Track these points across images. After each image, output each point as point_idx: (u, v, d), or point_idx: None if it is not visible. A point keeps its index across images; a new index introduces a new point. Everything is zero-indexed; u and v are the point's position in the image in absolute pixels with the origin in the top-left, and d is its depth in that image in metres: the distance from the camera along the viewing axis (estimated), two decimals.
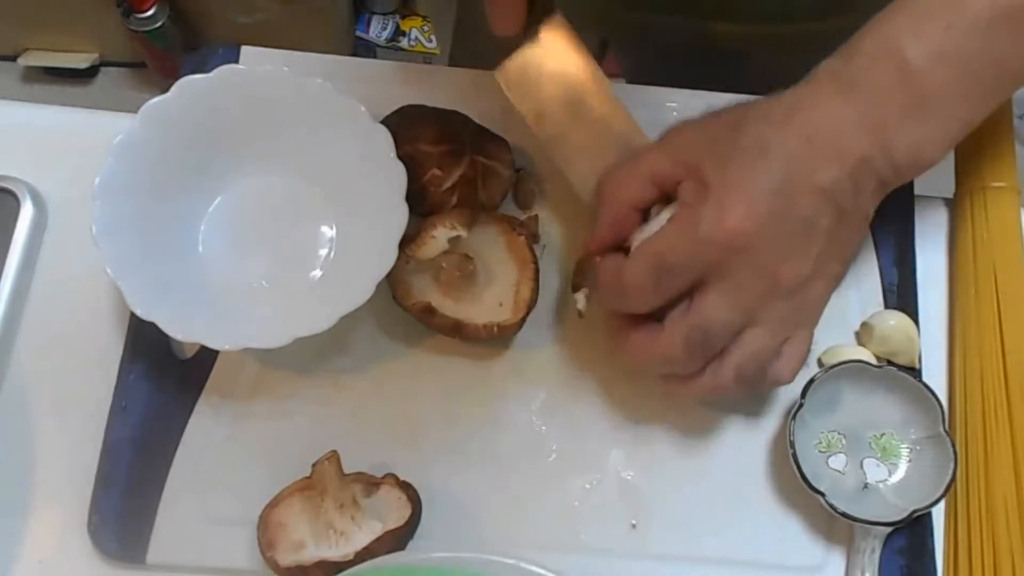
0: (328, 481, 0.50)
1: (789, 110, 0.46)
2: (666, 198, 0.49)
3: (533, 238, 0.56)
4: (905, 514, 0.50)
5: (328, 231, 0.56)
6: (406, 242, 0.52)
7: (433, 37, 1.61)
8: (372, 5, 1.63)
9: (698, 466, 0.54)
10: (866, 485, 0.53)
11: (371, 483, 0.51)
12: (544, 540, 0.53)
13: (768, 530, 0.53)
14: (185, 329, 0.50)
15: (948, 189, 0.61)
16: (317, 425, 0.54)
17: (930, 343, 0.57)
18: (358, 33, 1.62)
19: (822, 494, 0.51)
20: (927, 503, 0.51)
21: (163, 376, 0.55)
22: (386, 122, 0.55)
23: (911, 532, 0.53)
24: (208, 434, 0.54)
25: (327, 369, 0.55)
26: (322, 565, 0.48)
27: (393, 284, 0.53)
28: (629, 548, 0.53)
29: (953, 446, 0.51)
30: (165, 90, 0.53)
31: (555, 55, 0.53)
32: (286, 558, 0.49)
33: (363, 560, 0.47)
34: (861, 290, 0.58)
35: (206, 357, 0.55)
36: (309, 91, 0.54)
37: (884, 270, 0.58)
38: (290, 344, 0.50)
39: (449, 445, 0.54)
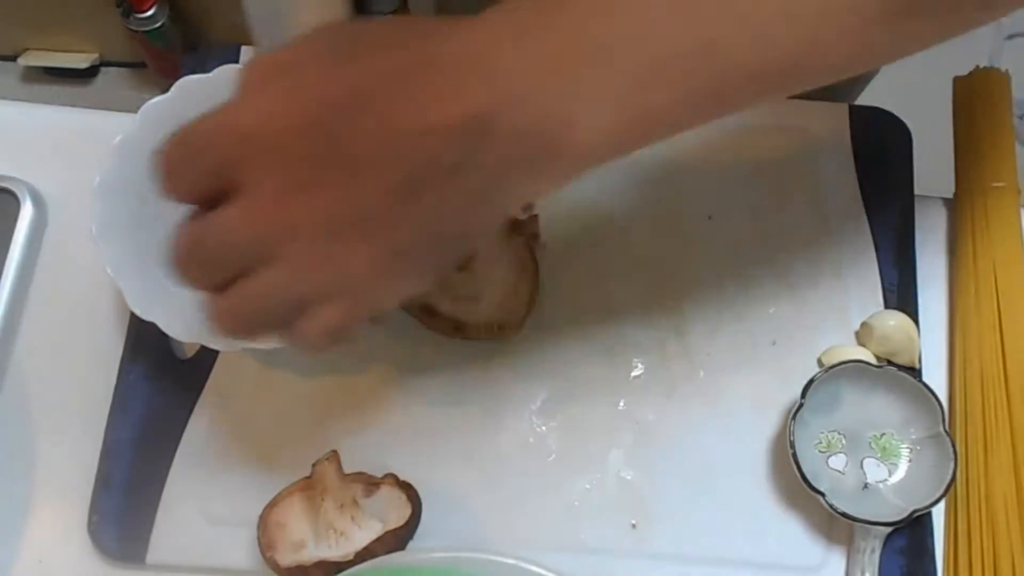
0: (328, 481, 0.50)
1: (431, 33, 0.36)
2: None
3: (533, 238, 0.56)
4: (905, 514, 0.50)
5: None
6: None
7: None
8: (372, 5, 1.63)
9: (698, 466, 0.54)
10: (866, 485, 0.53)
11: (371, 483, 0.51)
12: (544, 540, 0.53)
13: (768, 530, 0.53)
14: (184, 329, 0.50)
15: (948, 189, 0.61)
16: (317, 425, 0.54)
17: (930, 343, 0.57)
18: None
19: (822, 494, 0.51)
20: (927, 503, 0.51)
21: (163, 376, 0.55)
22: None
23: (911, 532, 0.53)
24: (208, 434, 0.54)
25: (327, 369, 0.55)
26: (322, 565, 0.48)
27: None
28: (629, 548, 0.53)
29: (953, 446, 0.51)
30: (165, 90, 0.53)
31: None
32: (286, 558, 0.49)
33: (363, 560, 0.47)
34: (861, 290, 0.58)
35: (206, 357, 0.55)
36: None
37: (884, 270, 0.58)
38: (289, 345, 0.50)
39: (449, 445, 0.54)
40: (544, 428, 0.55)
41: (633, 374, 0.56)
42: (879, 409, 0.54)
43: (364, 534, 0.49)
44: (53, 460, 0.54)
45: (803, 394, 0.52)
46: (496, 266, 0.55)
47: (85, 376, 0.55)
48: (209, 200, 0.37)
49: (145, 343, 0.55)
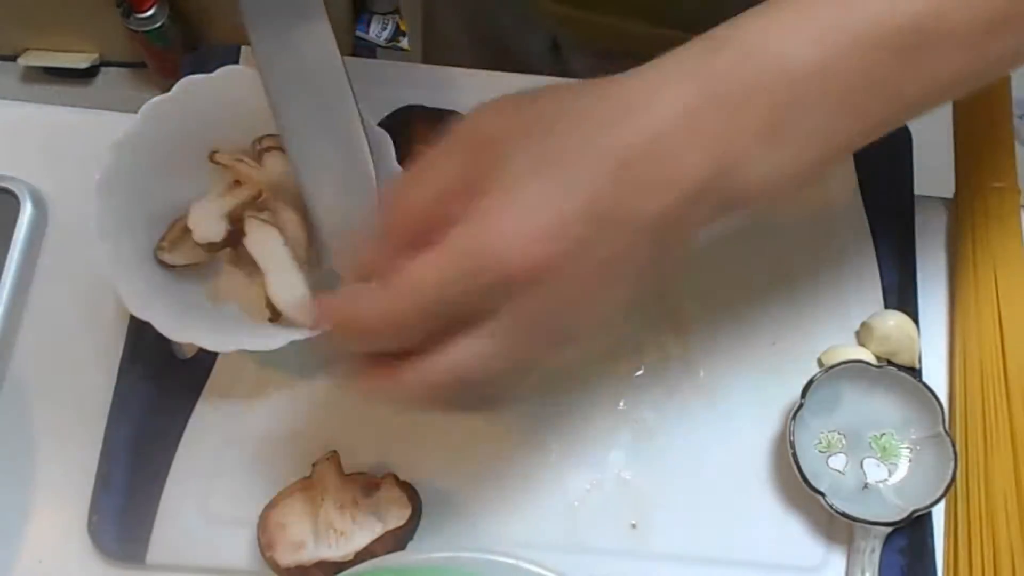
0: (328, 481, 0.50)
1: (624, 110, 0.36)
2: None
3: None
4: (905, 514, 0.50)
5: None
6: None
7: None
8: (372, 5, 1.63)
9: (698, 466, 0.54)
10: (866, 485, 0.53)
11: (371, 483, 0.51)
12: (544, 540, 0.52)
13: (768, 530, 0.53)
14: (181, 330, 0.50)
15: (948, 189, 0.61)
16: (317, 425, 0.54)
17: (930, 343, 0.57)
18: (358, 33, 1.62)
19: (822, 494, 0.51)
20: (927, 503, 0.51)
21: (163, 376, 0.55)
22: (385, 123, 0.55)
23: (911, 532, 0.53)
24: (208, 434, 0.54)
25: (327, 369, 0.55)
26: (322, 565, 0.48)
27: None
28: (629, 548, 0.53)
29: (953, 446, 0.51)
30: (165, 90, 0.53)
31: None
32: (286, 558, 0.49)
33: (363, 560, 0.47)
34: (861, 290, 0.58)
35: (206, 357, 0.55)
36: None
37: (884, 270, 0.58)
38: (288, 345, 0.50)
39: (449, 445, 0.54)
40: (544, 428, 0.55)
41: (633, 374, 0.56)
42: (879, 409, 0.54)
43: (364, 534, 0.49)
44: (53, 460, 0.54)
45: (803, 394, 0.52)
46: None
47: (85, 376, 0.55)
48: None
49: (145, 343, 0.55)
